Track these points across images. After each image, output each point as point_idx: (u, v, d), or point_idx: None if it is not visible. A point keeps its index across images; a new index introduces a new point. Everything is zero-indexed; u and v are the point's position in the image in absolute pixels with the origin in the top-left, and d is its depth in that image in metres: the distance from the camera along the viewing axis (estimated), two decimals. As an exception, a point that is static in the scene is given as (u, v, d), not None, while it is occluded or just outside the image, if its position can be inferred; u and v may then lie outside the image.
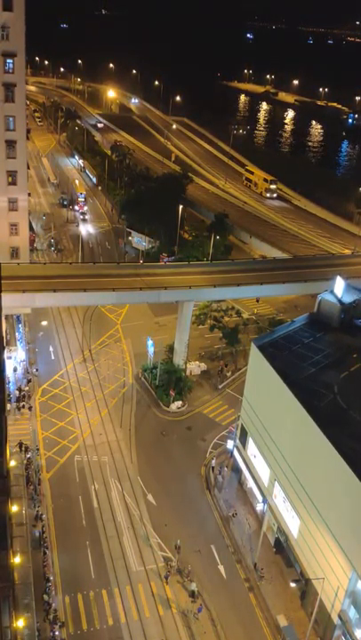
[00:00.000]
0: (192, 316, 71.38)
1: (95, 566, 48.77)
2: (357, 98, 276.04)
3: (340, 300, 57.45)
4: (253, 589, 48.14)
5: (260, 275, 71.74)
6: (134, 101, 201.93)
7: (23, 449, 56.49)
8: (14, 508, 47.80)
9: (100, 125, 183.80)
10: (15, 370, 67.20)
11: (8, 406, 59.55)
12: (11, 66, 66.07)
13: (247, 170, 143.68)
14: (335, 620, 42.59)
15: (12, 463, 52.10)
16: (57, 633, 43.06)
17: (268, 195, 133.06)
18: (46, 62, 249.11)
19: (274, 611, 46.36)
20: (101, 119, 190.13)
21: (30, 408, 64.50)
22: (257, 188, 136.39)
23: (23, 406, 64.06)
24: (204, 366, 73.80)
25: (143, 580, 48.05)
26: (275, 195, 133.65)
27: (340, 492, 41.44)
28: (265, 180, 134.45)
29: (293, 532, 47.68)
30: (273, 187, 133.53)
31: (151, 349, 71.48)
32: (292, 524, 47.68)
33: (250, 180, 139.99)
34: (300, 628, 44.75)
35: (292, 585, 46.03)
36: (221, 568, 49.57)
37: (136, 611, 45.79)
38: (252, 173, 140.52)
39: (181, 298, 67.67)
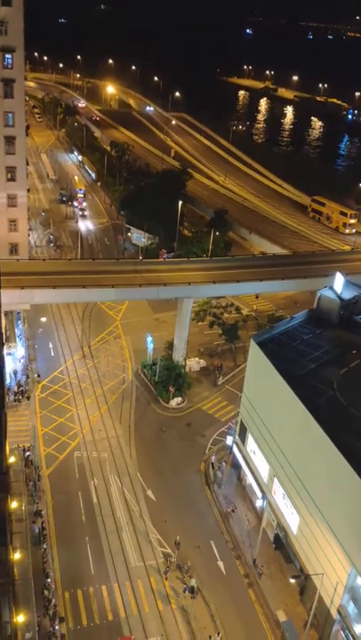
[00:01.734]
0: (191, 313, 71.39)
1: (95, 562, 48.91)
2: (357, 94, 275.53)
3: (339, 297, 57.47)
4: (253, 585, 48.28)
5: (260, 271, 71.73)
6: (149, 109, 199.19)
7: (20, 449, 56.51)
8: (14, 505, 47.84)
9: (81, 105, 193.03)
10: (15, 373, 67.18)
11: (6, 399, 59.64)
12: (10, 61, 65.76)
13: (315, 200, 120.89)
14: (334, 615, 42.74)
15: (12, 459, 52.14)
16: (57, 628, 43.23)
17: (346, 230, 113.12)
18: (45, 58, 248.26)
19: (273, 606, 46.51)
20: (81, 99, 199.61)
21: (28, 397, 65.12)
22: (330, 223, 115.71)
23: (20, 399, 64.39)
24: (203, 363, 73.85)
25: (143, 576, 48.21)
26: (354, 230, 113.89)
27: (340, 488, 41.51)
28: (342, 214, 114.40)
29: (293, 528, 47.79)
30: (353, 221, 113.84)
31: (151, 346, 71.49)
32: (292, 520, 47.78)
33: (319, 213, 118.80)
34: (299, 624, 44.95)
35: (292, 581, 46.21)
36: (221, 564, 49.71)
37: (136, 606, 45.94)
38: (322, 205, 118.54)
39: (181, 294, 67.64)
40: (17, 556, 44.25)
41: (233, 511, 54.28)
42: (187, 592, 46.53)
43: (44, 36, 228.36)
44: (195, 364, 73.06)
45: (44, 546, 48.92)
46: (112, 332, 79.94)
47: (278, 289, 78.45)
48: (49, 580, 46.22)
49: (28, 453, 56.66)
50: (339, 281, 57.99)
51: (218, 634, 44.14)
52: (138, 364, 73.34)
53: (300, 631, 44.22)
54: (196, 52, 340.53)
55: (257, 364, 53.07)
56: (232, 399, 67.23)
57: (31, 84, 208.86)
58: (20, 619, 40.23)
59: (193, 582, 47.12)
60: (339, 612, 42.23)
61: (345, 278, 58.36)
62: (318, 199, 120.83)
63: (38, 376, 69.14)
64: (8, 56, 65.44)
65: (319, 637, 44.48)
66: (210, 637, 43.83)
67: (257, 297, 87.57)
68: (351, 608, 42.06)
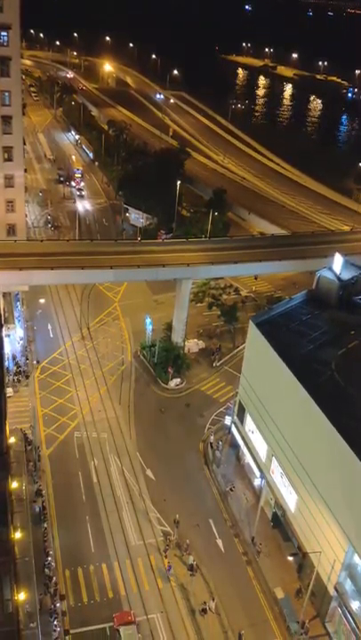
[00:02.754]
0: (190, 294, 71.27)
1: (95, 540, 49.45)
2: (358, 72, 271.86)
3: (338, 277, 57.30)
4: (251, 563, 48.90)
5: (259, 252, 71.49)
6: (159, 97, 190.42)
7: (20, 430, 56.84)
8: (14, 485, 48.24)
9: (69, 76, 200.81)
10: (14, 358, 67.11)
11: (6, 379, 59.90)
12: (5, 39, 64.64)
13: None
14: (332, 592, 43.37)
15: (12, 440, 52.46)
16: (58, 605, 43.84)
17: None
18: (41, 35, 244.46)
19: (271, 583, 47.14)
20: (68, 70, 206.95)
21: (27, 376, 65.52)
22: None
23: (19, 380, 64.88)
24: (202, 344, 73.89)
25: (142, 554, 48.79)
26: None
27: (337, 467, 41.85)
28: None
29: (291, 507, 48.27)
30: None
31: (149, 327, 71.51)
32: (290, 498, 48.24)
33: None
34: (296, 601, 45.59)
35: (290, 558, 46.72)
36: (220, 542, 50.28)
37: (135, 584, 46.56)
38: None
39: (180, 276, 67.48)
40: (18, 535, 44.78)
41: (231, 490, 54.76)
42: (171, 572, 47.03)
43: (40, 12, 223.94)
44: (193, 345, 73.12)
45: (45, 525, 49.42)
46: (111, 314, 79.90)
47: (277, 270, 78.32)
48: (49, 559, 46.77)
49: (28, 434, 56.98)
50: (338, 261, 57.80)
51: (213, 599, 45.13)
52: (137, 345, 73.43)
53: (298, 607, 44.92)
54: (195, 28, 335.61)
55: (256, 345, 53.16)
56: (231, 380, 67.45)
57: (27, 62, 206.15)
58: (22, 596, 40.78)
59: (191, 560, 47.68)
60: (336, 590, 42.85)
61: (344, 259, 58.16)
62: None
63: (37, 362, 68.97)
64: (3, 33, 64.33)
65: (317, 614, 45.19)
66: (204, 603, 44.84)
67: (256, 278, 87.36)
68: (348, 585, 42.67)
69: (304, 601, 43.78)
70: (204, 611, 44.51)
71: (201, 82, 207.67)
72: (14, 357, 67.30)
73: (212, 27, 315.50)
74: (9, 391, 62.39)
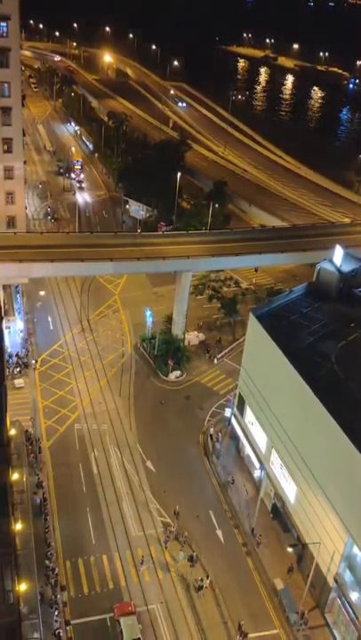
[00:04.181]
0: (190, 287, 71.21)
1: (95, 532, 49.68)
2: (358, 62, 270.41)
3: (338, 270, 57.26)
4: (251, 554, 49.14)
5: (259, 244, 71.36)
6: (181, 105, 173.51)
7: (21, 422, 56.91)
8: (15, 476, 48.33)
9: (56, 59, 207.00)
10: (11, 356, 66.94)
11: (7, 371, 59.86)
12: (5, 29, 64.30)
13: None
14: (331, 583, 43.60)
15: (13, 432, 52.50)
16: (58, 596, 44.09)
17: None
18: (41, 26, 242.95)
19: (271, 574, 47.40)
20: (55, 55, 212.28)
21: (28, 366, 65.75)
22: None
23: (20, 371, 64.99)
24: (202, 336, 73.91)
25: (143, 545, 49.00)
26: None
27: (336, 459, 41.98)
28: None
29: (290, 498, 48.46)
30: None
31: (149, 320, 71.51)
32: (289, 490, 48.42)
33: None
34: (296, 592, 45.86)
35: (289, 550, 46.92)
36: (220, 533, 50.51)
37: (136, 574, 46.80)
38: None
39: (180, 268, 67.39)
40: (18, 526, 44.86)
41: (231, 482, 54.93)
42: (143, 566, 47.06)
43: (39, 2, 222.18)
44: (193, 337, 73.15)
45: (46, 517, 49.60)
46: (111, 306, 79.88)
47: (278, 262, 78.20)
48: (50, 550, 46.99)
49: (28, 426, 57.05)
50: (338, 254, 57.73)
51: (207, 577, 45.72)
52: (137, 337, 73.47)
53: (292, 585, 45.21)
54: (196, 19, 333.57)
55: (256, 338, 53.18)
56: (230, 372, 67.54)
57: (27, 53, 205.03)
58: (23, 588, 40.97)
59: (182, 556, 47.68)
60: (335, 580, 43.08)
61: (344, 251, 58.09)
62: None
63: (36, 362, 68.73)
64: (3, 24, 63.96)
65: (316, 604, 45.45)
66: (201, 580, 45.38)
67: (256, 270, 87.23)
68: (347, 576, 42.90)
69: (304, 592, 44.03)
70: (200, 588, 45.07)
71: (201, 73, 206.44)
72: (10, 356, 67.05)
73: (212, 27, 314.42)
74: (20, 382, 62.77)
